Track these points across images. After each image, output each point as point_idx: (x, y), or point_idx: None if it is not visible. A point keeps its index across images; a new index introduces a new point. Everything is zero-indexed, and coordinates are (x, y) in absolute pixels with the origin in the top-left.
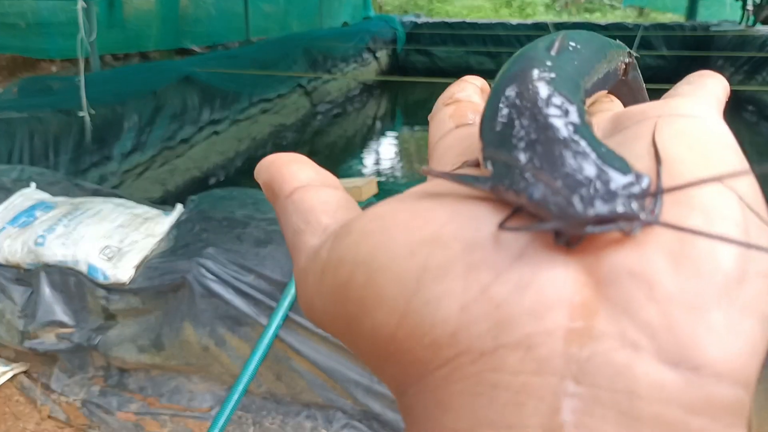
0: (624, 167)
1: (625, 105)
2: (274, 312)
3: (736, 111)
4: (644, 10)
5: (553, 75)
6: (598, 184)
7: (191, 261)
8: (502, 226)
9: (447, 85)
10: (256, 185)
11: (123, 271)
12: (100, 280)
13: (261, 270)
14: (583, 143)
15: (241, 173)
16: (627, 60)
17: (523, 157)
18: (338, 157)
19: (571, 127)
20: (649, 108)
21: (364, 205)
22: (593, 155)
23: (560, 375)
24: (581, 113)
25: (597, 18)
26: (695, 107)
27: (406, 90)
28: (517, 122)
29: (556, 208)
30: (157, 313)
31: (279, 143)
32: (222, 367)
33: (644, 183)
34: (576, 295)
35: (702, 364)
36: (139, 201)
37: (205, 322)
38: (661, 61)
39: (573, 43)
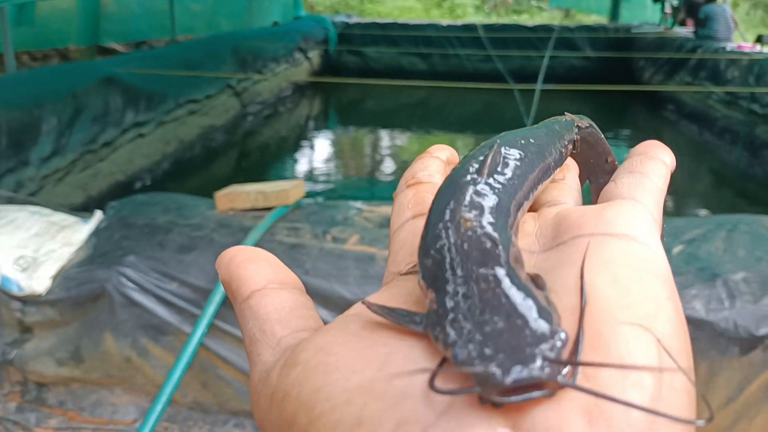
0: (545, 319)
1: (585, 161)
2: (198, 320)
3: (656, 110)
4: (570, 12)
5: (477, 210)
6: (518, 347)
7: (111, 270)
8: (431, 385)
9: (379, 86)
10: (184, 189)
11: (39, 282)
12: (15, 291)
13: (184, 277)
14: (506, 296)
15: (168, 176)
16: (575, 137)
17: (449, 305)
18: (270, 158)
19: (495, 276)
20: (585, 220)
21: (293, 207)
22: (516, 310)
23: None
24: (507, 255)
25: (525, 20)
26: (629, 222)
27: (338, 90)
28: (445, 263)
29: (478, 374)
30: (76, 325)
31: (208, 145)
32: (145, 378)
33: (561, 342)
34: None
35: None
36: (57, 208)
37: (127, 332)
38: (586, 62)
39: (507, 155)
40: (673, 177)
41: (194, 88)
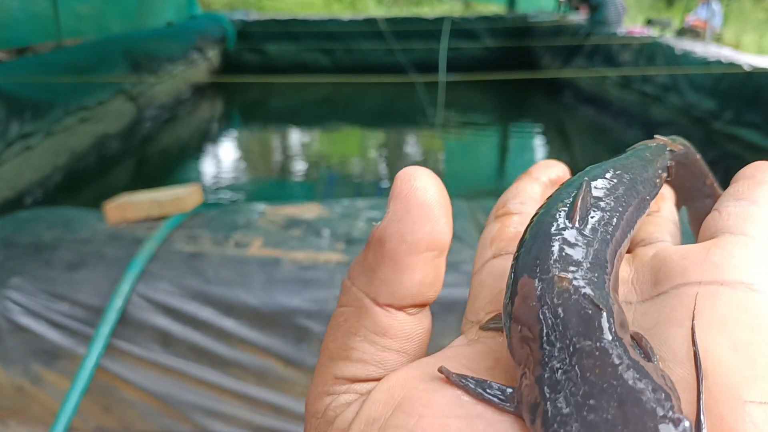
0: (664, 406)
1: (681, 185)
2: (92, 340)
3: (555, 96)
4: (470, 3)
5: (573, 266)
6: None
7: None
8: None
9: (283, 84)
10: (80, 202)
11: None
12: None
13: (75, 296)
14: (617, 376)
15: (61, 190)
16: (669, 164)
17: (547, 385)
18: (171, 164)
19: (602, 351)
20: (689, 264)
21: (191, 214)
22: (629, 395)
23: None
24: (612, 323)
25: (425, 12)
26: (743, 266)
27: (241, 90)
28: (540, 332)
29: None
30: None
31: (103, 154)
32: (41, 406)
33: None
34: None
35: None
36: None
37: (17, 359)
38: (487, 52)
39: (598, 194)
40: (577, 160)
41: (85, 94)
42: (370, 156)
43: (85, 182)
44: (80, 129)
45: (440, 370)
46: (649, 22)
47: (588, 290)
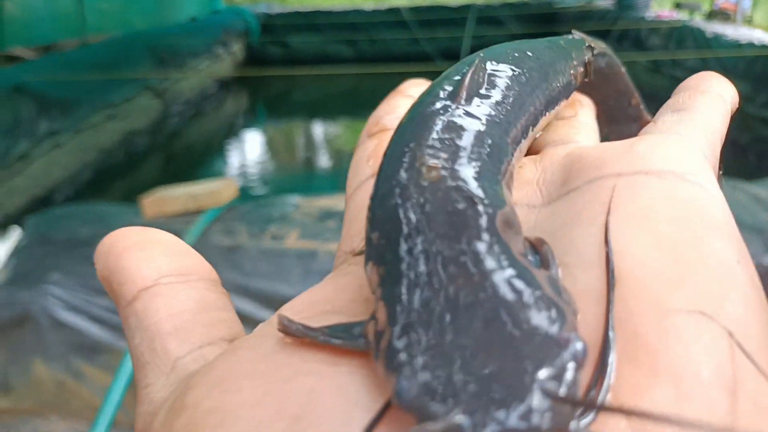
0: (551, 323)
1: (602, 101)
2: None
3: None
4: None
5: (448, 153)
6: (503, 377)
7: (35, 290)
8: None
9: (307, 77)
10: (109, 199)
11: None
12: None
13: None
14: (489, 288)
15: (90, 187)
16: (587, 58)
17: (400, 304)
18: (198, 160)
19: (473, 255)
20: (609, 157)
21: (227, 207)
22: (504, 312)
23: None
24: (492, 220)
25: (449, 0)
26: (673, 157)
27: (265, 84)
28: (398, 237)
29: (433, 425)
30: (2, 353)
31: (131, 150)
32: (82, 401)
33: (574, 362)
34: None
35: None
36: None
37: (58, 355)
38: (512, 39)
39: (495, 72)
40: None
41: (111, 91)
42: None
43: (114, 179)
44: (107, 126)
45: (278, 314)
46: (678, 6)
47: (464, 182)
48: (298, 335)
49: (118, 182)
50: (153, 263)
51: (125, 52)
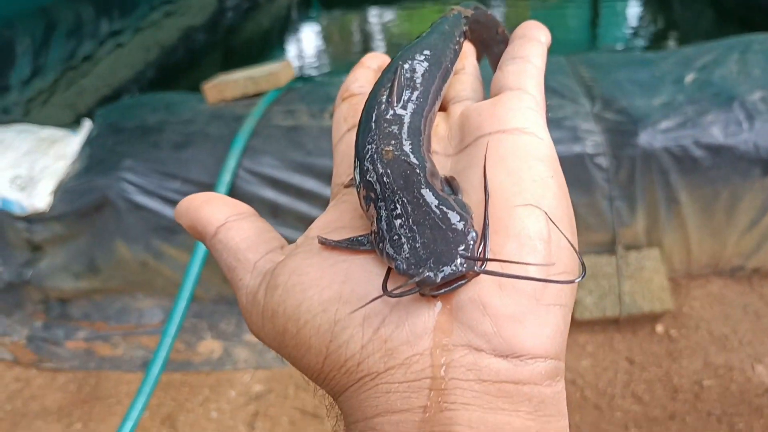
0: (460, 224)
1: (479, 38)
2: None
3: None
4: None
5: (395, 140)
6: (441, 253)
7: (110, 177)
8: (384, 289)
9: None
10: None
11: (39, 199)
12: (17, 212)
13: (185, 174)
14: (428, 212)
15: (154, 84)
16: (465, 29)
17: (386, 226)
18: (256, 52)
19: (418, 197)
20: (482, 120)
21: (286, 89)
22: (437, 223)
23: (431, 377)
24: (424, 175)
25: None
26: (518, 116)
27: None
28: (377, 192)
29: (415, 279)
30: (86, 237)
31: (191, 47)
32: (165, 279)
33: (472, 240)
34: (436, 324)
35: (522, 353)
36: (43, 124)
37: (138, 237)
38: None
39: (409, 75)
40: (676, 10)
41: None
42: None
43: (177, 76)
44: (167, 23)
45: (318, 238)
46: None
47: (406, 156)
48: (332, 245)
49: (181, 79)
50: (219, 210)
51: None
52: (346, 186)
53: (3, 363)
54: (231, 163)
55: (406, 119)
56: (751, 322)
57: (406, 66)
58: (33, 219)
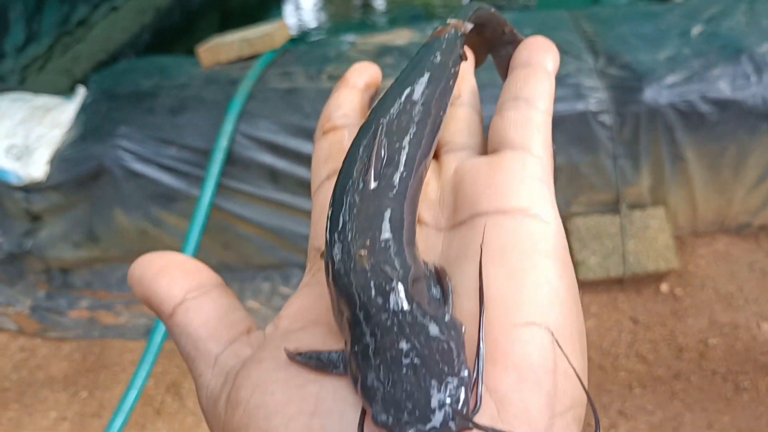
0: (449, 363)
1: (482, 40)
2: (203, 181)
3: None
4: None
5: (369, 238)
6: (425, 406)
7: (106, 144)
8: None
9: None
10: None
11: (36, 169)
12: (14, 182)
13: (182, 140)
14: (410, 346)
15: (150, 48)
16: (461, 51)
17: (361, 356)
18: (252, 15)
19: (397, 324)
20: (479, 192)
21: (282, 51)
22: (421, 362)
23: None
24: (406, 288)
25: None
26: (520, 191)
27: None
28: (350, 306)
29: None
30: (84, 206)
31: (187, 8)
32: (165, 247)
33: (463, 388)
34: None
35: None
36: (37, 91)
37: (136, 205)
38: None
39: (392, 138)
40: None
41: None
42: None
43: (173, 39)
44: None
45: (285, 351)
46: None
47: (382, 263)
48: (300, 364)
49: (177, 42)
50: (177, 284)
51: None
52: (322, 256)
53: (7, 333)
54: (227, 127)
55: (385, 204)
56: (758, 279)
57: (386, 127)
58: (30, 189)
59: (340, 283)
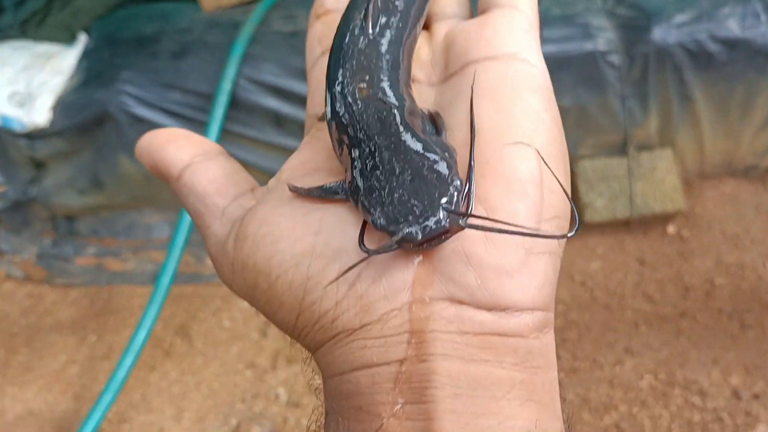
0: (442, 172)
1: None
2: (207, 126)
3: None
4: None
5: (369, 74)
6: (423, 206)
7: (109, 89)
8: (361, 245)
9: None
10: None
11: (39, 115)
12: (17, 129)
13: (184, 84)
14: (407, 159)
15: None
16: None
17: (361, 174)
18: None
19: (396, 141)
20: (470, 45)
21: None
22: (417, 171)
23: (409, 332)
24: (402, 115)
25: None
26: (508, 39)
27: None
28: (351, 135)
29: (395, 236)
30: (88, 152)
31: None
32: (170, 193)
33: (456, 191)
34: (415, 277)
35: (508, 306)
36: (38, 39)
37: None
38: None
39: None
40: None
41: None
42: None
43: None
44: None
45: (288, 186)
46: None
47: (380, 94)
48: (303, 194)
49: None
50: (183, 150)
51: None
52: (320, 119)
53: (15, 280)
54: (230, 71)
55: (383, 48)
56: (764, 221)
57: None
58: (34, 135)
59: (342, 113)
